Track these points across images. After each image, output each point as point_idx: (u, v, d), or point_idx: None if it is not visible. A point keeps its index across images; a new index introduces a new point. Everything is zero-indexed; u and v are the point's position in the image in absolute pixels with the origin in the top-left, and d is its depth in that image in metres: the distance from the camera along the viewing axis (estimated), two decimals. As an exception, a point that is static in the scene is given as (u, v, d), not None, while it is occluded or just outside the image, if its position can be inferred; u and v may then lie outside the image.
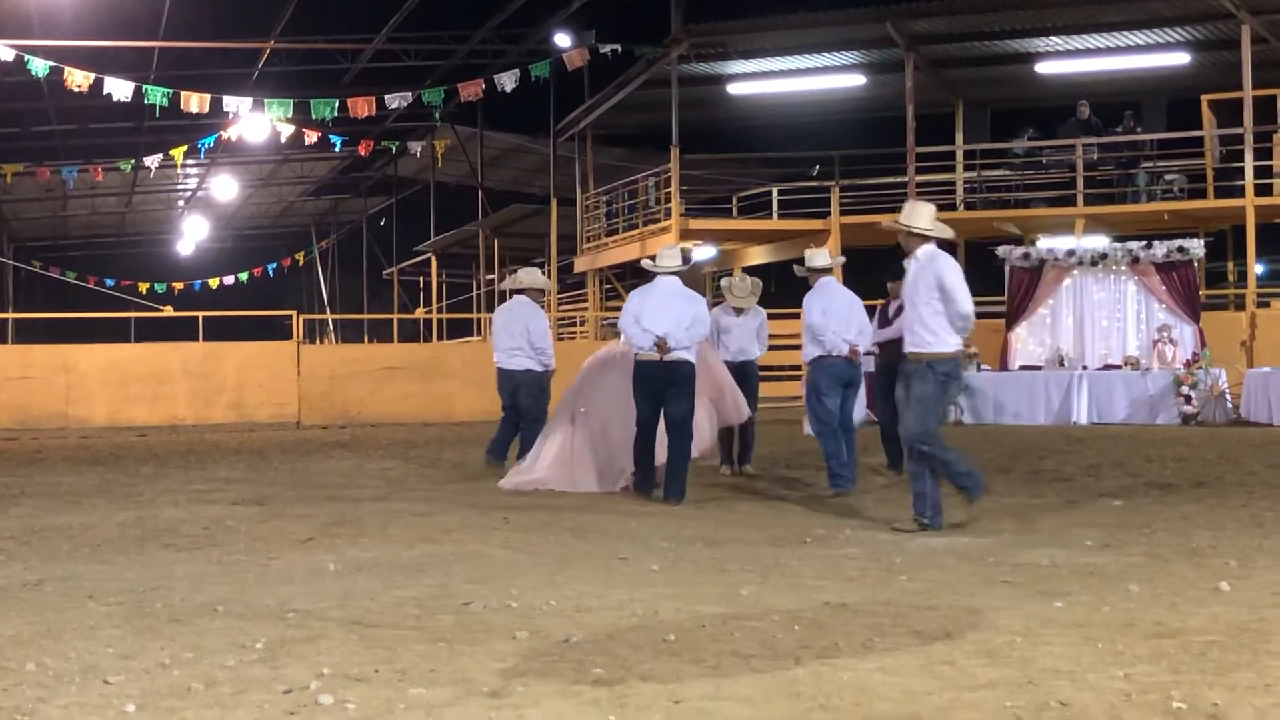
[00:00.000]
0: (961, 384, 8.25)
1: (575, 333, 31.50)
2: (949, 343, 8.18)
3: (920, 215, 8.36)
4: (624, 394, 10.39)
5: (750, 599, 5.88)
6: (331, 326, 42.86)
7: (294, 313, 23.06)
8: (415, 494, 10.78)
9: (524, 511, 9.36)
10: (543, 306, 12.31)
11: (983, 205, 25.39)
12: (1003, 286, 20.22)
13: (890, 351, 10.82)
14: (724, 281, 12.27)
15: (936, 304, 8.15)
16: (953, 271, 8.21)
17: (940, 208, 26.95)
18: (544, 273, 11.50)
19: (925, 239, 8.32)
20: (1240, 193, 22.13)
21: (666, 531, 8.26)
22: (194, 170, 38.28)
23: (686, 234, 25.58)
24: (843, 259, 10.86)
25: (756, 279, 12.29)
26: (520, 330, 11.77)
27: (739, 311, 11.87)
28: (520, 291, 12.04)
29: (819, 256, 10.56)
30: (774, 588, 6.17)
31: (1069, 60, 25.16)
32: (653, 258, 10.68)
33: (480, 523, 8.70)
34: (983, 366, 19.55)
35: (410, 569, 6.78)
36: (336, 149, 30.54)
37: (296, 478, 12.44)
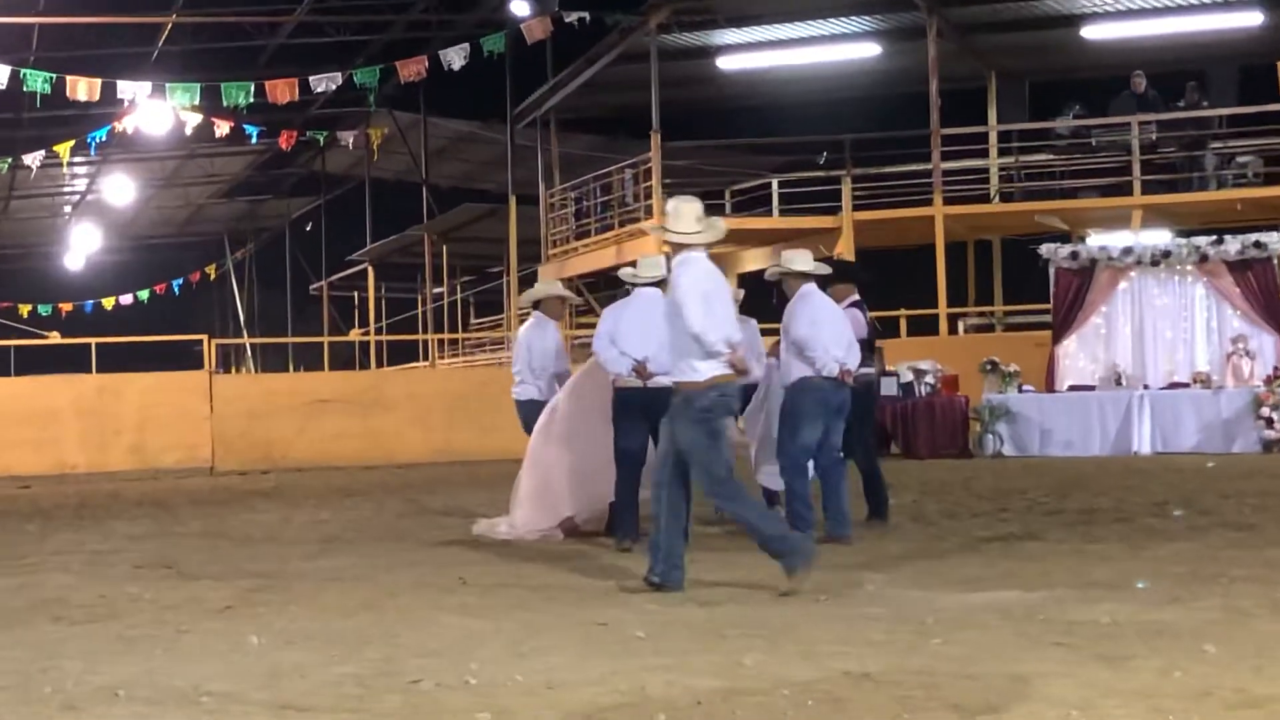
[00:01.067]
0: (735, 416, 8.30)
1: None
2: (701, 370, 8.11)
3: (682, 218, 8.32)
4: (604, 417, 10.53)
5: (755, 669, 5.88)
6: (250, 352, 42.77)
7: (205, 337, 23.05)
8: (353, 551, 10.74)
9: (483, 568, 9.33)
10: (560, 318, 12.36)
11: (1022, 196, 25.50)
12: (1047, 292, 20.29)
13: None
14: None
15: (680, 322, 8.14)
16: (686, 278, 8.19)
17: (971, 199, 27.09)
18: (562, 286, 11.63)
19: (684, 246, 8.30)
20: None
21: (653, 590, 8.24)
22: (83, 170, 38.17)
23: (671, 236, 25.56)
24: (826, 268, 10.81)
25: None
26: (524, 352, 11.81)
27: None
28: (538, 305, 12.04)
29: (800, 259, 10.50)
30: (783, 655, 6.17)
31: (1121, 23, 25.32)
32: (633, 264, 10.66)
33: (431, 584, 8.67)
34: (1025, 388, 19.62)
35: (349, 641, 6.76)
36: (253, 142, 30.52)
37: (211, 534, 12.36)
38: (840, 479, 10.44)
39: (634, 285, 10.50)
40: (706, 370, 8.09)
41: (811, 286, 10.37)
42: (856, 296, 11.17)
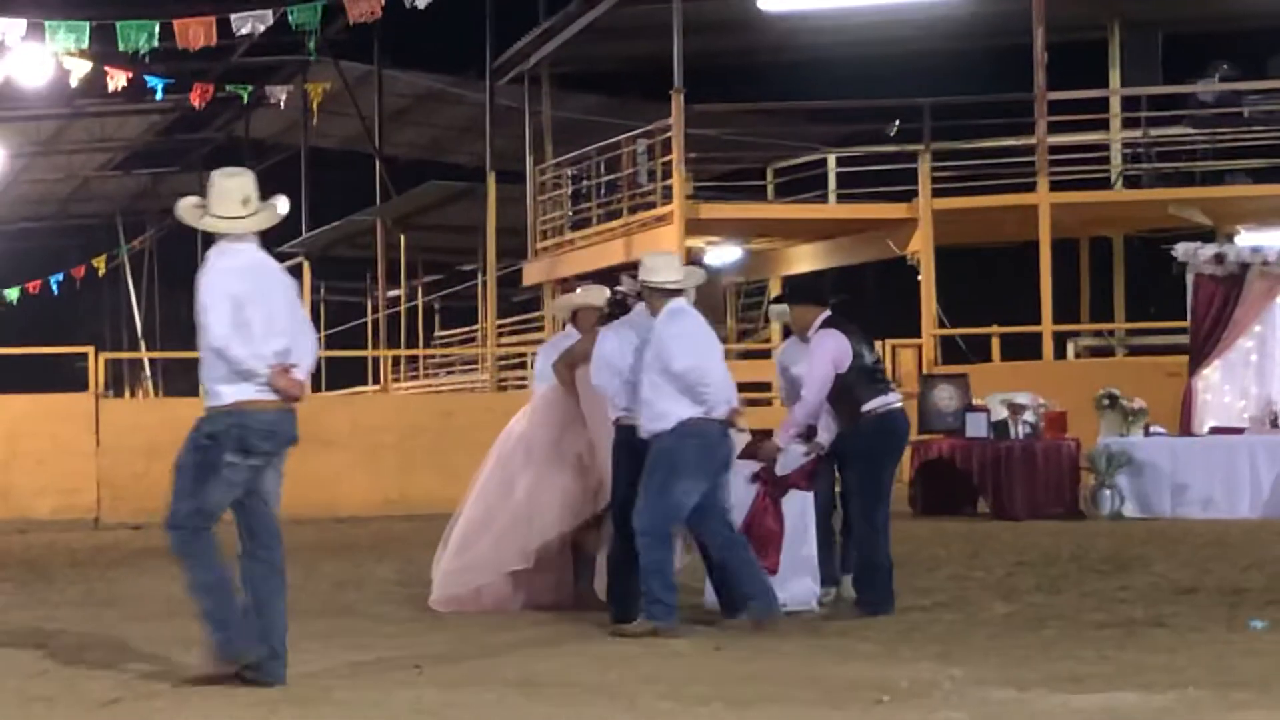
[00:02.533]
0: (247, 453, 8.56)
1: (525, 377, 31.46)
2: (224, 394, 8.60)
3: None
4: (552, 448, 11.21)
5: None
6: (149, 370, 42.79)
7: (91, 350, 23.02)
8: (278, 630, 10.72)
9: (447, 653, 9.32)
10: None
11: (1152, 181, 25.49)
12: (1183, 306, 20.26)
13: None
14: (774, 309, 12.25)
15: None
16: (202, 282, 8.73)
17: (1087, 184, 27.17)
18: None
19: None
20: None
21: (665, 684, 8.24)
22: (-63, 132, 38.28)
23: (696, 227, 25.63)
24: (701, 274, 10.99)
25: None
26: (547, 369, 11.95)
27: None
28: (575, 317, 12.08)
29: (665, 266, 10.60)
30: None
31: (1282, -41, 25.34)
32: (634, 272, 10.75)
33: (378, 672, 8.65)
34: (1154, 429, 19.59)
35: (271, 747, 6.75)
36: (157, 98, 30.59)
37: (94, 605, 12.33)
38: (741, 547, 10.50)
39: (653, 289, 10.55)
40: (230, 394, 8.52)
41: (682, 302, 10.48)
42: (827, 314, 11.10)
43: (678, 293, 10.39)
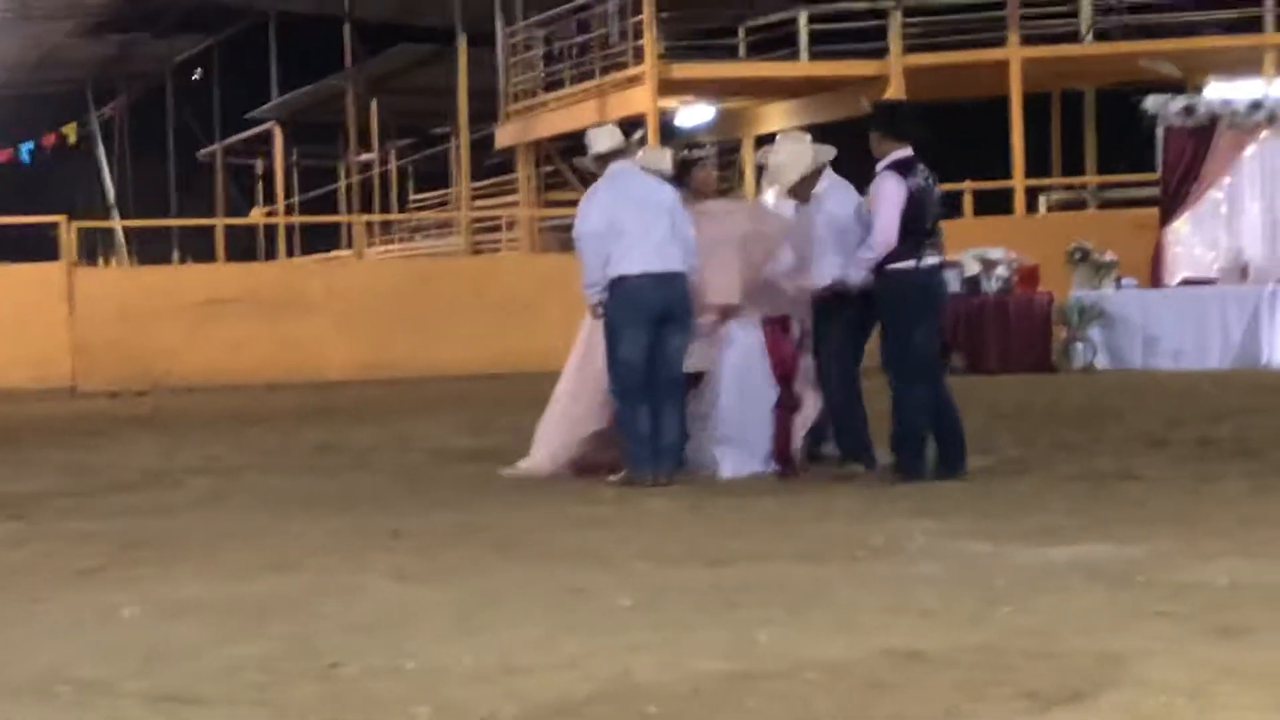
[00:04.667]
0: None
1: (500, 241, 31.43)
2: None
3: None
4: None
5: (772, 647, 5.90)
6: (122, 238, 42.61)
7: (63, 219, 22.92)
8: (257, 497, 10.73)
9: (424, 519, 9.35)
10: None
11: (1122, 33, 25.38)
12: (1153, 159, 20.25)
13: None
14: (769, 159, 11.64)
15: None
16: None
17: (1057, 38, 26.99)
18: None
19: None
20: None
21: (643, 544, 8.27)
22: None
23: (668, 87, 25.49)
24: (640, 134, 11.23)
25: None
26: None
27: (798, 198, 11.39)
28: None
29: (605, 136, 11.10)
30: (809, 629, 6.19)
31: None
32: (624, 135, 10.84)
33: (357, 539, 8.68)
34: (1125, 282, 19.61)
35: (251, 613, 6.77)
36: (123, -39, 30.24)
37: (72, 473, 12.33)
38: (673, 398, 10.79)
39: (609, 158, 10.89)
40: None
41: (623, 166, 10.97)
42: (901, 155, 10.49)
43: (616, 156, 10.92)
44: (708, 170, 11.84)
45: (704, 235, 10.90)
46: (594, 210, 10.82)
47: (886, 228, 10.25)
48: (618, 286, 10.64)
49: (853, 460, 10.87)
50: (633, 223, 10.67)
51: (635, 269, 10.61)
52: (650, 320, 10.65)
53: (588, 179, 11.35)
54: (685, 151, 11.43)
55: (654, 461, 10.63)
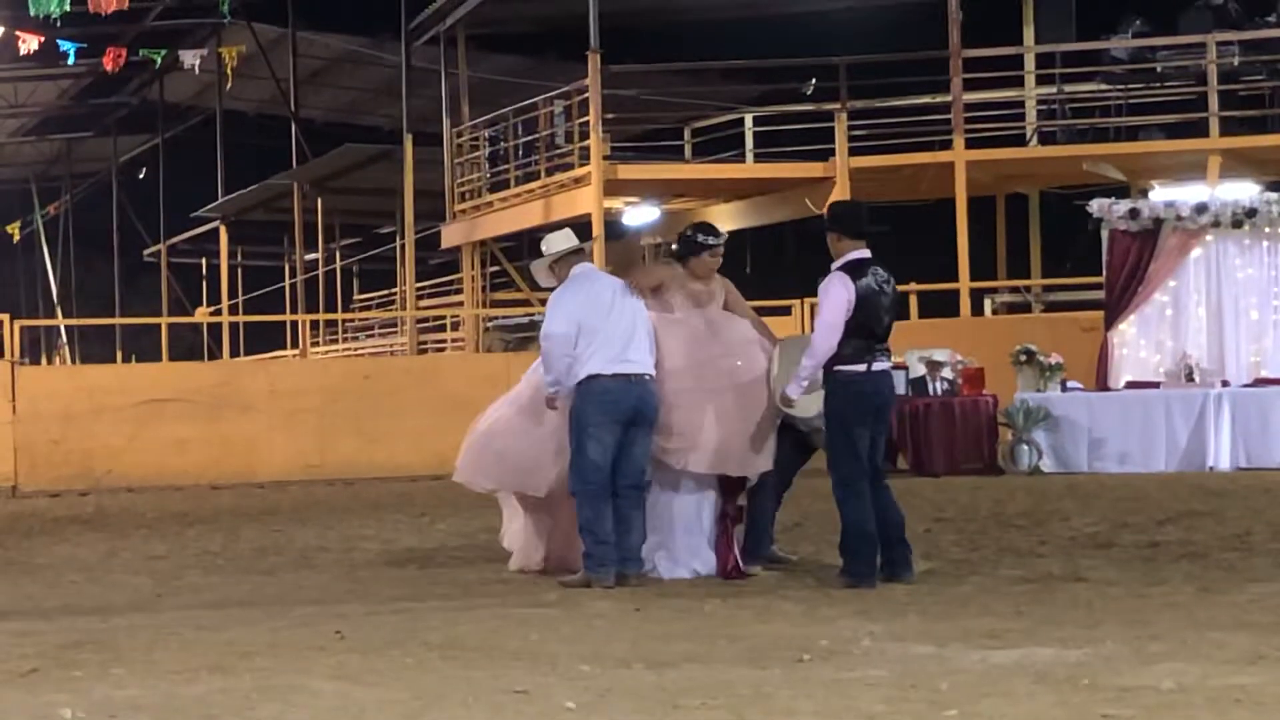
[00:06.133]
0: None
1: (445, 340, 31.44)
2: None
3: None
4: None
5: (718, 751, 5.87)
6: (65, 337, 42.46)
7: (5, 317, 22.84)
8: (199, 597, 10.69)
9: (367, 619, 9.30)
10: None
11: (1067, 138, 25.59)
12: (1098, 262, 20.36)
13: None
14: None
15: None
16: None
17: (1002, 141, 27.19)
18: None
19: None
20: None
21: (586, 646, 8.23)
22: None
23: (614, 187, 25.60)
24: (595, 238, 11.37)
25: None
26: None
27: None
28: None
29: (560, 239, 11.23)
30: (754, 732, 6.16)
31: (1195, -87, 25.43)
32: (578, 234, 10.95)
33: (299, 639, 8.62)
34: (1070, 384, 19.69)
35: (191, 714, 6.71)
36: (69, 63, 30.30)
37: (11, 573, 12.25)
38: (636, 507, 10.82)
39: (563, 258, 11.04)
40: None
41: (586, 267, 11.20)
42: (857, 255, 10.49)
43: (574, 255, 11.13)
44: (715, 259, 11.48)
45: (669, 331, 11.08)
46: (561, 312, 10.90)
47: (823, 334, 10.39)
48: (588, 386, 10.69)
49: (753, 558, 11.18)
50: (601, 323, 10.76)
51: (609, 370, 10.66)
52: (619, 422, 10.70)
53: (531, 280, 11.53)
54: (700, 237, 11.22)
55: (619, 564, 10.66)
